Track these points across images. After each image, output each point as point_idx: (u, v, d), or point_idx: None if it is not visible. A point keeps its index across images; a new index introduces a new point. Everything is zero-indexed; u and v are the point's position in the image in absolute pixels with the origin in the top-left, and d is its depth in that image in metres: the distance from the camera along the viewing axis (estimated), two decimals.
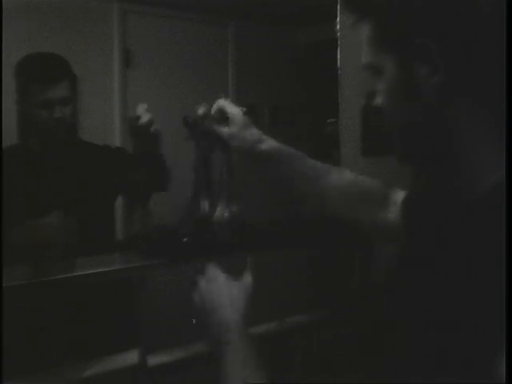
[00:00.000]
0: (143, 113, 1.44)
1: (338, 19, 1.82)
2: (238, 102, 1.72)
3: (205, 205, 1.61)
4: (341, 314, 1.73)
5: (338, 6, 1.81)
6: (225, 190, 1.58)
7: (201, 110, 1.61)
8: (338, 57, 1.83)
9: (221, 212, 1.55)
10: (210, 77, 1.93)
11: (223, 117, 1.25)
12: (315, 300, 1.78)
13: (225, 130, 1.21)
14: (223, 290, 1.01)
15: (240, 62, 1.96)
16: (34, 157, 1.60)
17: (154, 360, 1.41)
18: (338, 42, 1.83)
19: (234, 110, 1.21)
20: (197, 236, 1.62)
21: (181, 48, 1.88)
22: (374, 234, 1.32)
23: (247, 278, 1.04)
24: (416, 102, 0.73)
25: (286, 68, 2.04)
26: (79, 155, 1.66)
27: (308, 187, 1.19)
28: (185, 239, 1.43)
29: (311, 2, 1.89)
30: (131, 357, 1.38)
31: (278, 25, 1.99)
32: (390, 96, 0.76)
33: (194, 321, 1.01)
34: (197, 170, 1.64)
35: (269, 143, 1.17)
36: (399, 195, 1.10)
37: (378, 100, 0.79)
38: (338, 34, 1.83)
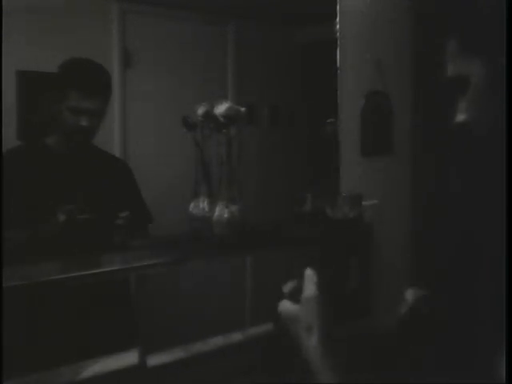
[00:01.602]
0: None
1: (338, 19, 1.82)
2: (237, 101, 1.72)
3: (204, 205, 1.61)
4: (340, 314, 1.73)
5: (338, 6, 1.81)
6: (225, 190, 1.58)
7: (200, 110, 1.61)
8: (338, 57, 1.83)
9: (220, 212, 1.56)
10: (210, 76, 1.92)
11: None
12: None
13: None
14: None
15: (240, 62, 1.96)
16: (51, 153, 1.62)
17: (153, 360, 1.41)
18: (338, 43, 1.83)
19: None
20: (196, 236, 1.62)
21: (180, 47, 1.88)
22: None
23: None
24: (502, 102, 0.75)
25: (285, 68, 2.04)
26: (91, 159, 1.68)
27: None
28: None
29: (311, 1, 1.89)
30: (130, 357, 1.38)
31: (277, 24, 1.99)
32: (477, 104, 0.78)
33: None
34: (197, 170, 1.65)
35: None
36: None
37: (461, 117, 0.81)
38: (338, 35, 1.83)
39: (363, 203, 1.75)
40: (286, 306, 0.96)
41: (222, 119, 1.55)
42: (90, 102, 1.59)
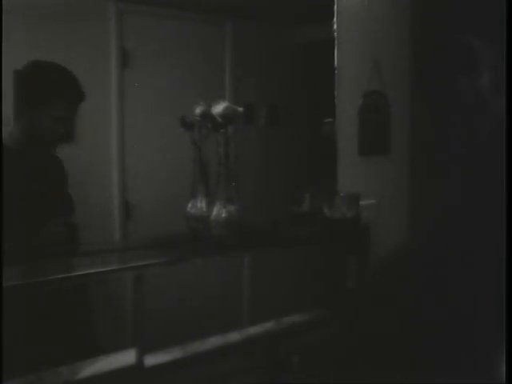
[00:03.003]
0: None
1: (335, 19, 1.82)
2: (235, 101, 1.72)
3: (202, 204, 1.61)
4: (338, 313, 1.74)
5: (335, 6, 1.81)
6: (222, 190, 1.58)
7: (198, 110, 1.62)
8: (335, 57, 1.83)
9: (218, 212, 1.56)
10: (208, 76, 1.92)
11: None
12: (312, 300, 1.78)
13: None
14: None
15: (237, 62, 1.96)
16: (15, 156, 1.60)
17: (150, 360, 1.41)
18: (335, 42, 1.83)
19: None
20: (194, 236, 1.62)
21: (178, 47, 1.87)
22: None
23: None
24: None
25: (283, 67, 2.04)
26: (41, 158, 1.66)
27: None
28: None
29: (309, 1, 1.89)
30: (128, 357, 1.38)
31: (275, 24, 1.99)
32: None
33: None
34: (195, 170, 1.65)
35: None
36: None
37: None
38: (335, 34, 1.83)
39: (361, 203, 1.75)
40: None
41: (219, 119, 1.55)
42: (71, 109, 1.58)
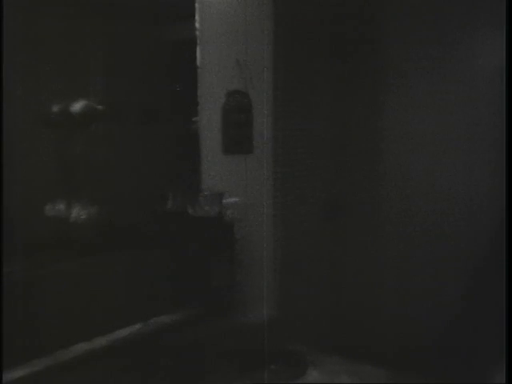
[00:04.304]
0: None
1: (197, 17, 1.83)
2: (103, 100, 1.68)
3: (61, 206, 1.57)
4: (205, 312, 1.76)
5: (196, 4, 1.82)
6: (83, 191, 1.55)
7: (56, 108, 1.57)
8: (197, 55, 1.84)
9: (78, 213, 1.52)
10: (74, 72, 1.86)
11: None
12: (180, 299, 1.79)
13: None
14: None
15: (106, 58, 1.91)
16: None
17: (10, 375, 1.34)
18: (198, 41, 1.83)
19: None
20: (54, 239, 1.57)
21: (43, 42, 1.80)
22: None
23: None
24: None
25: (150, 66, 2.02)
26: None
27: None
28: None
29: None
30: None
31: (145, 22, 1.97)
32: None
33: None
34: (54, 170, 1.59)
35: None
36: None
37: None
38: (197, 33, 1.83)
39: (224, 201, 1.78)
40: None
41: (77, 117, 1.52)
42: None
